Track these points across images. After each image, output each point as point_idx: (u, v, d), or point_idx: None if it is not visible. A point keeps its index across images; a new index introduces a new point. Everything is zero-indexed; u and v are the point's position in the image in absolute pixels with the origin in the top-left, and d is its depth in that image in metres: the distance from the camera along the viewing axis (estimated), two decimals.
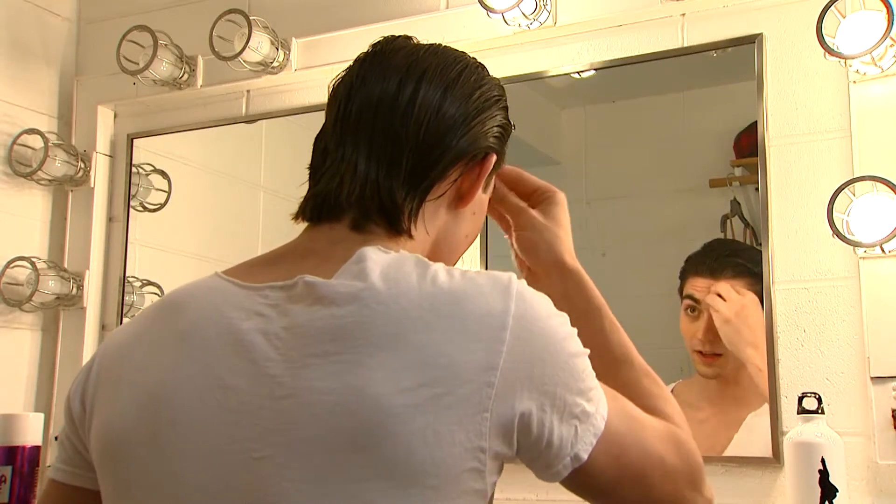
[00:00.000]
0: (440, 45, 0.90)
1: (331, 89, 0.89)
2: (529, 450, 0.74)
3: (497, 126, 0.90)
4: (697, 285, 1.57)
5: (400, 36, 0.90)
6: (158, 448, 0.75)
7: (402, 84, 0.84)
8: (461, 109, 0.85)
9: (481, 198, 0.91)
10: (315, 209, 0.85)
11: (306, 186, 0.89)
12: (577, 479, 0.76)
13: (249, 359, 0.74)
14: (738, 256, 1.58)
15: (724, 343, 1.53)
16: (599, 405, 0.76)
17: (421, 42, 0.89)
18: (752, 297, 1.52)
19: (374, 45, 0.89)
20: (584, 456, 0.75)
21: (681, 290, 1.59)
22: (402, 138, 0.83)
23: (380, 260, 0.77)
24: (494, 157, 0.89)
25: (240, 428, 0.73)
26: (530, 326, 0.74)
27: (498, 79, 0.92)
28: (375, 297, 0.74)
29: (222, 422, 0.73)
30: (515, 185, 1.00)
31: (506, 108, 0.92)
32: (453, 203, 0.88)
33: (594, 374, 0.78)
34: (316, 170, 0.86)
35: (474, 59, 0.91)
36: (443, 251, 0.90)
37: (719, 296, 1.53)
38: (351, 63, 0.89)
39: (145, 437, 0.76)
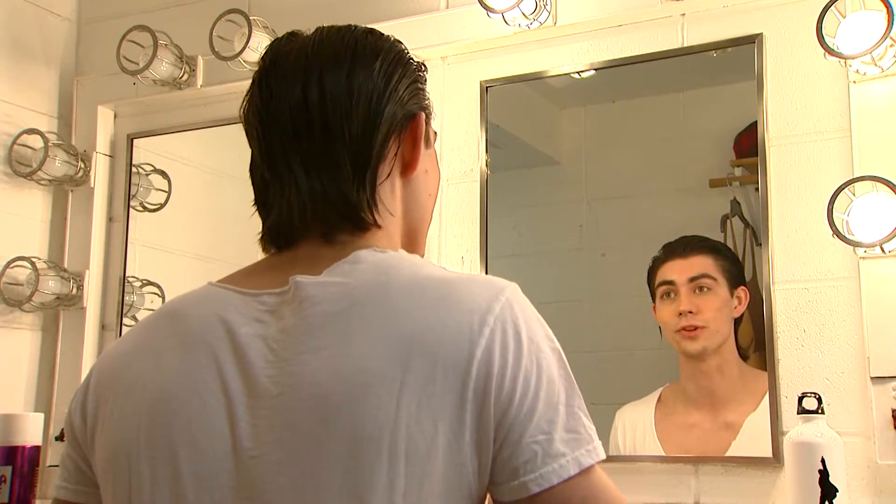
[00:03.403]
0: (326, 28, 0.87)
1: (242, 117, 0.88)
2: (496, 441, 0.72)
3: (411, 83, 0.86)
4: (670, 268, 1.61)
5: (284, 36, 0.87)
6: (158, 451, 0.76)
7: (305, 87, 0.82)
8: (371, 85, 0.82)
9: (428, 153, 0.89)
10: (274, 240, 0.85)
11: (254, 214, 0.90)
12: None
13: (248, 362, 0.75)
14: (703, 240, 1.62)
15: (705, 316, 1.56)
16: (578, 451, 0.73)
17: (306, 34, 0.87)
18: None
19: (264, 58, 0.87)
20: (535, 489, 0.70)
21: (651, 283, 1.62)
22: (329, 139, 0.81)
23: (374, 260, 0.79)
24: (423, 116, 0.87)
25: (240, 429, 0.74)
26: (511, 331, 0.73)
27: (390, 35, 0.88)
28: (363, 291, 0.75)
29: (222, 424, 0.74)
30: None
31: (411, 61, 0.87)
32: (403, 173, 0.87)
33: (584, 419, 0.75)
34: (262, 202, 0.87)
35: (361, 27, 0.87)
36: (413, 219, 0.89)
37: None
38: (249, 89, 0.87)
39: (146, 441, 0.77)
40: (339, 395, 0.71)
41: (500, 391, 0.71)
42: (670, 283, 1.60)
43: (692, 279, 1.58)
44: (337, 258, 0.79)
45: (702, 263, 1.59)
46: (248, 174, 0.89)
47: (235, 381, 0.75)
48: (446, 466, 0.71)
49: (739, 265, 1.58)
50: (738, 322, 1.56)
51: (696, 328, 1.56)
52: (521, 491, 0.71)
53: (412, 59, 0.88)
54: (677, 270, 1.60)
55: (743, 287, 1.57)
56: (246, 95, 0.87)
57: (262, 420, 0.73)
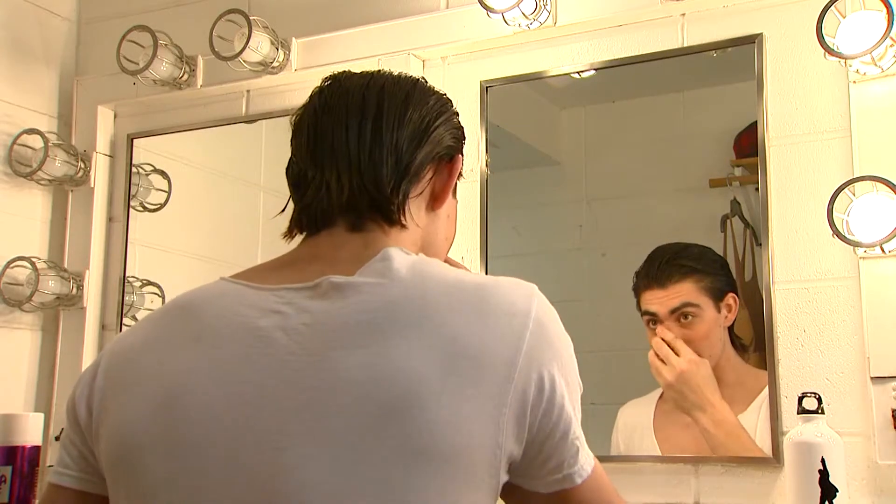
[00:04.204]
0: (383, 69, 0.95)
1: (293, 122, 0.93)
2: (529, 449, 0.76)
3: (455, 128, 0.94)
4: (650, 299, 1.58)
5: (344, 70, 0.94)
6: (177, 445, 0.76)
7: (365, 102, 0.88)
8: (423, 113, 0.90)
9: (452, 201, 0.95)
10: (310, 219, 0.87)
11: (283, 210, 0.92)
12: (559, 503, 0.78)
13: (269, 353, 0.76)
14: (680, 258, 1.59)
15: (694, 347, 1.54)
16: (585, 444, 0.80)
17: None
18: (694, 360, 1.52)
19: (326, 79, 0.93)
20: (578, 481, 0.78)
21: (638, 306, 1.60)
22: (378, 144, 0.86)
23: (405, 260, 0.80)
24: (461, 158, 0.94)
25: (260, 420, 0.74)
26: (547, 334, 0.77)
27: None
28: (402, 291, 0.77)
29: (242, 415, 0.74)
30: None
31: (457, 115, 0.96)
32: (430, 205, 0.92)
33: None
34: (298, 188, 0.89)
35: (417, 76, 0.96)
36: (428, 253, 0.92)
37: (668, 349, 1.53)
38: (306, 100, 0.93)
39: (162, 435, 0.76)
40: (379, 394, 0.72)
41: (541, 394, 0.75)
42: (653, 314, 1.58)
43: (674, 311, 1.56)
44: (361, 252, 0.82)
45: (681, 291, 1.56)
46: (284, 173, 0.93)
47: (254, 374, 0.75)
48: (482, 466, 0.73)
49: (724, 274, 1.56)
50: (733, 324, 1.55)
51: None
52: (566, 482, 0.77)
53: (457, 112, 0.96)
54: (657, 302, 1.57)
55: (731, 294, 1.55)
56: (301, 107, 0.93)
57: (289, 413, 0.73)
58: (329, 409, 0.72)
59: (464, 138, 0.96)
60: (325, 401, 0.72)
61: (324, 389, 0.73)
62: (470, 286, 0.78)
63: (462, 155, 0.94)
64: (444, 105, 0.93)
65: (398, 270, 0.78)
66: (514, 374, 0.74)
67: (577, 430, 0.77)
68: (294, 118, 0.93)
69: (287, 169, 0.92)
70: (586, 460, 0.78)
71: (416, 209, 0.89)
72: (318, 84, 0.93)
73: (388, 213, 0.86)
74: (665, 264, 1.59)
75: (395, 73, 0.93)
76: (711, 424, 1.50)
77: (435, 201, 0.92)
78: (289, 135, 0.94)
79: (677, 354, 1.53)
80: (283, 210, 0.93)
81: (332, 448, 0.71)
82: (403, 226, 0.87)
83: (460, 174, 0.94)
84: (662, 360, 1.54)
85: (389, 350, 0.73)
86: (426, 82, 0.94)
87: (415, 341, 0.73)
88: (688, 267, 1.58)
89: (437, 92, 0.94)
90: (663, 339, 1.54)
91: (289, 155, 0.93)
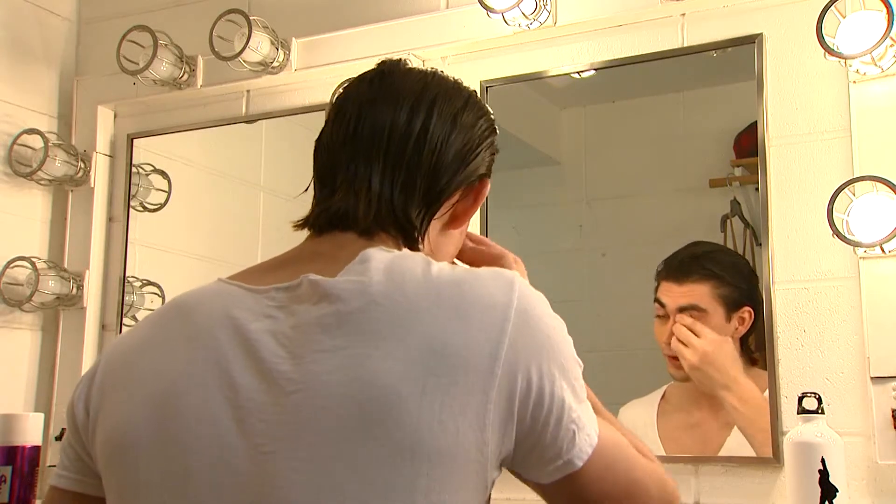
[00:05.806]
0: (440, 71, 0.93)
1: (334, 102, 0.91)
2: (524, 442, 0.75)
3: (493, 153, 0.94)
4: (665, 290, 1.58)
5: (401, 59, 0.93)
6: (167, 445, 0.76)
7: (413, 112, 0.87)
8: (467, 138, 0.89)
9: (466, 224, 0.96)
10: (328, 221, 0.86)
11: (307, 189, 0.91)
12: (565, 487, 0.77)
13: (259, 357, 0.76)
14: (704, 259, 1.59)
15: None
16: (592, 419, 0.79)
17: (421, 68, 0.93)
18: (715, 339, 1.52)
19: (381, 66, 0.92)
20: (579, 464, 0.76)
21: (655, 292, 1.60)
22: (415, 164, 0.86)
23: (383, 258, 0.80)
24: (489, 182, 0.93)
25: (248, 424, 0.74)
26: (531, 321, 0.76)
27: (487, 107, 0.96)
28: (380, 290, 0.76)
29: (231, 418, 0.75)
30: (479, 244, 1.04)
31: (496, 135, 0.95)
32: (447, 224, 0.92)
33: (582, 381, 0.79)
34: (325, 183, 0.88)
35: (469, 87, 0.95)
36: None
37: (689, 332, 1.53)
38: (355, 80, 0.92)
39: (154, 435, 0.77)
40: (361, 396, 0.71)
41: (529, 385, 0.74)
42: (662, 305, 1.58)
43: (681, 309, 1.55)
44: (354, 257, 0.80)
45: (695, 293, 1.55)
46: (312, 151, 0.92)
47: (244, 377, 0.75)
48: (468, 463, 0.72)
49: (747, 286, 1.55)
50: (746, 335, 1.54)
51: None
52: (567, 468, 0.76)
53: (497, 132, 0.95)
54: (669, 295, 1.57)
55: (748, 308, 1.54)
56: (349, 84, 0.92)
57: (275, 416, 0.73)
58: (313, 413, 0.72)
59: (494, 159, 0.95)
60: (309, 404, 0.72)
61: (308, 393, 0.73)
62: (448, 282, 0.77)
63: (489, 178, 0.93)
64: (488, 128, 0.92)
65: (377, 270, 0.78)
66: (497, 369, 0.73)
67: (572, 413, 0.75)
68: (335, 98, 0.92)
69: (317, 148, 0.90)
70: (585, 441, 0.76)
71: (433, 229, 0.90)
72: (370, 69, 0.91)
73: (410, 237, 0.87)
74: (688, 261, 1.59)
75: (449, 84, 0.91)
76: (739, 402, 1.50)
77: (453, 222, 0.92)
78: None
79: (698, 337, 1.53)
80: (306, 189, 0.92)
81: (318, 451, 0.71)
82: (419, 249, 0.88)
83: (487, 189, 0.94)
84: (685, 344, 1.53)
85: (369, 351, 0.73)
86: (476, 95, 0.93)
87: (394, 342, 0.73)
88: (708, 270, 1.57)
89: (487, 113, 0.93)
90: (683, 325, 1.54)
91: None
